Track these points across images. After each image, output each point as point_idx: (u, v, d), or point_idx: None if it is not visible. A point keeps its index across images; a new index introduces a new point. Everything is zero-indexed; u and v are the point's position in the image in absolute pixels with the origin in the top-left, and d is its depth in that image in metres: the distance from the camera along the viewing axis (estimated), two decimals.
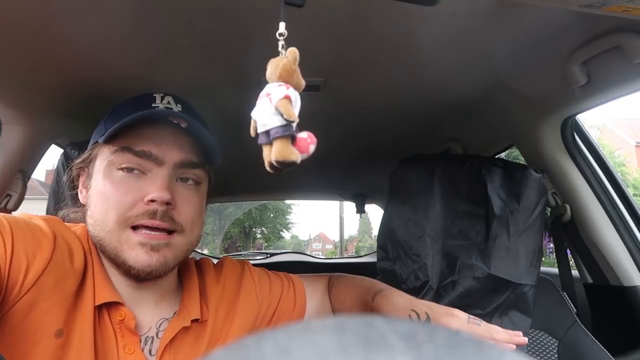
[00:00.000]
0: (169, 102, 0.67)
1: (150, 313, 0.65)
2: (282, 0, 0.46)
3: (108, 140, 0.62)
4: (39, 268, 0.54)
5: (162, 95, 0.67)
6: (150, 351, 0.62)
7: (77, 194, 0.70)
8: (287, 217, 20.88)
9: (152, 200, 0.59)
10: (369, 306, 0.73)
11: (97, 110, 1.15)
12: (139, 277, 0.62)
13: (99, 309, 0.60)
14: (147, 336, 0.63)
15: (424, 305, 0.67)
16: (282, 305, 0.80)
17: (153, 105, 0.65)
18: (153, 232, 0.60)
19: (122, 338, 0.60)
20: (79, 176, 0.68)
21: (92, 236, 0.63)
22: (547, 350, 1.01)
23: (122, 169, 0.62)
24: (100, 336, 0.59)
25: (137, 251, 0.59)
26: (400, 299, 0.70)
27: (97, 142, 0.65)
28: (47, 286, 0.54)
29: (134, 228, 0.60)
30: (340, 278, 0.85)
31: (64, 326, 0.55)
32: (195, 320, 0.67)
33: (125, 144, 0.62)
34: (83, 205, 0.68)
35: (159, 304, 0.67)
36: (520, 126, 1.19)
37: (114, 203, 0.60)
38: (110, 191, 0.61)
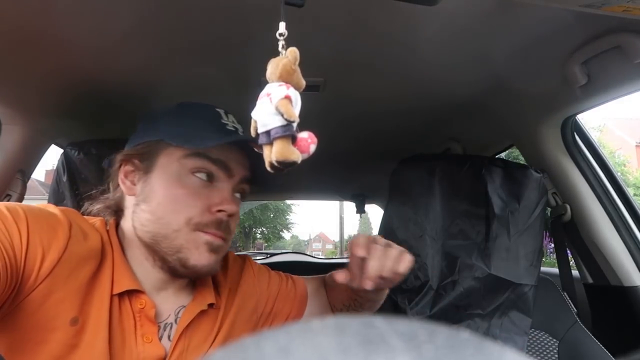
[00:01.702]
0: (233, 121, 0.69)
1: (171, 301, 0.67)
2: (282, 0, 0.46)
3: (178, 143, 0.63)
4: (55, 257, 0.54)
5: (224, 111, 0.69)
6: (168, 337, 0.64)
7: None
8: (287, 217, 20.89)
9: (220, 210, 0.62)
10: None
11: (97, 111, 1.16)
12: (183, 275, 0.64)
13: (120, 296, 0.61)
14: (166, 323, 0.65)
15: None
16: (281, 300, 0.81)
17: (222, 121, 0.68)
18: (215, 235, 0.63)
19: (140, 327, 0.61)
20: (120, 165, 0.67)
21: (146, 231, 0.63)
22: (548, 350, 1.01)
23: (195, 173, 0.63)
24: (119, 323, 0.59)
25: (200, 250, 0.62)
26: None
27: (160, 139, 0.65)
28: (62, 275, 0.55)
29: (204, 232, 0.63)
30: (332, 273, 0.86)
31: (79, 314, 0.56)
32: (210, 305, 0.69)
33: (200, 150, 0.63)
34: (103, 193, 0.70)
35: (178, 294, 0.68)
36: (520, 126, 1.19)
37: (185, 206, 0.62)
38: (182, 195, 0.62)
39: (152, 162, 0.65)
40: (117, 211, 0.69)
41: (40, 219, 0.56)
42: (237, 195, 0.69)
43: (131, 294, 0.62)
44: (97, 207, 0.70)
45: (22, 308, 0.53)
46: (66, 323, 0.55)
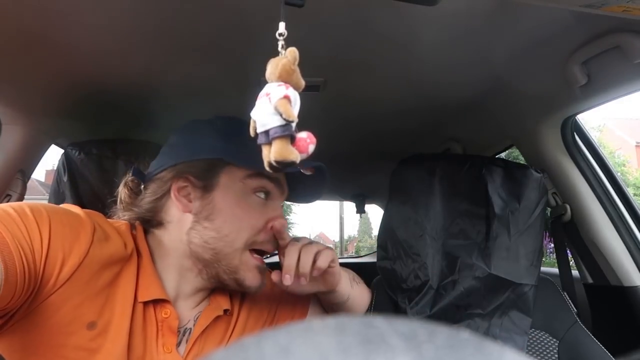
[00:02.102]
0: None
1: (192, 308, 0.68)
2: (282, 0, 0.46)
3: (246, 165, 0.64)
4: (75, 262, 0.54)
5: None
6: (186, 341, 0.65)
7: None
8: (287, 217, 20.87)
9: (273, 227, 0.66)
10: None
11: (97, 110, 1.16)
12: (233, 289, 0.68)
13: (146, 304, 0.61)
14: (186, 328, 0.65)
15: None
16: (284, 305, 0.82)
17: None
18: (261, 257, 0.67)
19: (162, 336, 0.61)
20: (171, 182, 0.66)
21: (209, 248, 0.64)
22: (547, 350, 1.01)
23: (256, 193, 0.66)
24: (142, 331, 0.59)
25: (253, 273, 0.66)
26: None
27: (219, 158, 0.65)
28: (82, 280, 0.54)
29: (250, 250, 0.66)
30: None
31: (98, 319, 0.55)
32: (225, 311, 0.70)
33: (258, 169, 0.65)
34: (130, 208, 0.69)
35: (201, 302, 0.70)
36: (520, 126, 1.19)
37: (247, 225, 0.64)
38: (246, 214, 0.65)
39: (212, 181, 0.65)
40: (151, 222, 0.68)
41: (64, 222, 0.55)
42: None
43: (157, 302, 0.62)
44: (127, 215, 0.69)
45: (38, 311, 0.52)
46: (83, 327, 0.54)
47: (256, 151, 0.63)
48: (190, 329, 0.65)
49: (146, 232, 0.68)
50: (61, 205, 0.60)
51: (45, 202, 1.01)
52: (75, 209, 0.60)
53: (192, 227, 0.65)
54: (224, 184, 0.65)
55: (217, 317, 0.68)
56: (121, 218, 0.70)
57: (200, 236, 0.64)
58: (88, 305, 0.55)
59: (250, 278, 0.66)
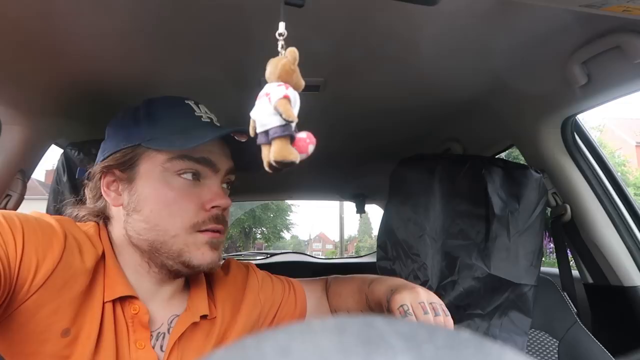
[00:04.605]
0: (206, 112, 0.69)
1: (163, 309, 0.66)
2: (282, 0, 0.46)
3: (159, 147, 0.62)
4: (49, 268, 0.54)
5: (194, 102, 0.69)
6: (161, 347, 0.63)
7: (72, 193, 0.69)
8: (288, 217, 20.88)
9: (214, 207, 0.63)
10: (364, 293, 0.74)
11: (97, 111, 1.16)
12: (185, 274, 0.65)
13: (113, 304, 0.60)
14: (159, 332, 0.64)
15: (403, 287, 0.65)
16: (284, 307, 0.81)
17: (196, 114, 0.67)
18: (214, 232, 0.64)
19: (133, 333, 0.60)
20: (102, 176, 0.66)
21: (143, 239, 0.62)
22: (547, 350, 1.01)
23: (181, 175, 0.63)
24: (111, 331, 0.59)
25: (202, 250, 0.63)
26: (391, 280, 0.72)
27: (138, 145, 0.63)
28: (56, 286, 0.54)
29: (200, 231, 0.63)
30: (336, 278, 0.87)
31: (71, 325, 0.55)
32: (204, 317, 0.68)
33: (182, 152, 0.62)
34: (83, 204, 0.69)
35: (171, 301, 0.67)
36: (520, 126, 1.19)
37: (178, 210, 0.62)
38: (173, 198, 0.62)
39: (134, 170, 0.64)
40: (104, 218, 0.67)
41: (36, 229, 0.55)
42: (225, 186, 0.69)
43: (124, 300, 0.61)
44: (82, 213, 0.68)
45: (14, 319, 0.52)
46: (57, 335, 0.54)
47: (178, 132, 0.62)
48: (164, 333, 0.64)
49: (108, 231, 0.67)
50: (32, 213, 0.60)
51: (45, 202, 1.01)
52: (47, 217, 0.60)
53: (125, 220, 0.64)
54: (145, 171, 0.63)
55: (195, 324, 0.66)
56: (76, 214, 0.69)
57: (133, 229, 0.63)
58: (62, 312, 0.55)
59: (199, 257, 0.62)
